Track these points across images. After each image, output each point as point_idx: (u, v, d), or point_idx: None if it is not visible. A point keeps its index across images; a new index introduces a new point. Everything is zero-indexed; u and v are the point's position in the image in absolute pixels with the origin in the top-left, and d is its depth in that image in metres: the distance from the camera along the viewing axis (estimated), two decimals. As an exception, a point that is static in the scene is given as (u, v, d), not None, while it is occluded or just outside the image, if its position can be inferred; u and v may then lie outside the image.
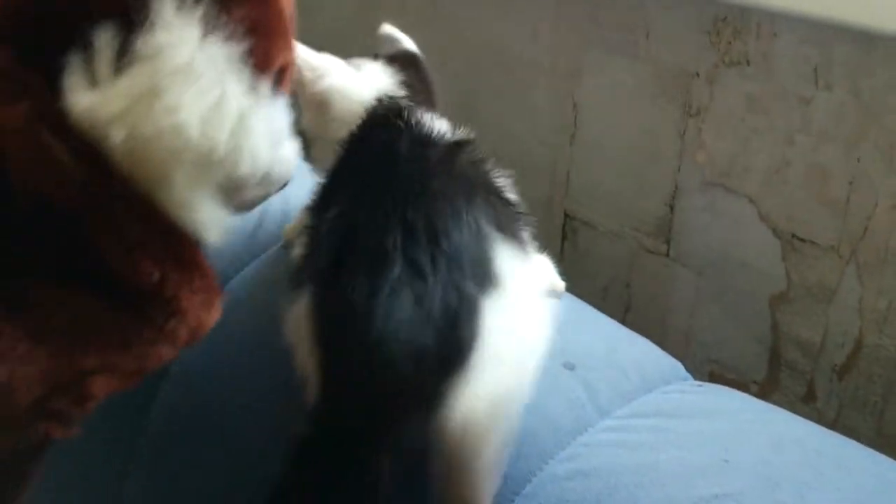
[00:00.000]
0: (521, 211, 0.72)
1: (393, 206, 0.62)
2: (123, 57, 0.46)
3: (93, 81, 0.46)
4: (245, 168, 0.54)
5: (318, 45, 0.79)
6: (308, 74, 0.76)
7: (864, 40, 0.96)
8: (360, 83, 0.78)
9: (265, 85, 0.54)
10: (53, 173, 0.47)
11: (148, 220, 0.51)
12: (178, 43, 0.47)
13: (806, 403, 1.11)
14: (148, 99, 0.46)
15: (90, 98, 0.46)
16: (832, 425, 1.08)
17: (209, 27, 0.48)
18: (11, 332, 0.46)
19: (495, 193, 0.70)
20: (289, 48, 0.57)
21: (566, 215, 1.29)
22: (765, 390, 1.14)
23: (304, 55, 0.75)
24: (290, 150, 0.62)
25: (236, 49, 0.50)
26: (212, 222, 0.54)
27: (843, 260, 1.03)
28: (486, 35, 1.30)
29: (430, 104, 0.82)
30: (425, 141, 0.70)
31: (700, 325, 1.19)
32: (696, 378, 1.20)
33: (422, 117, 0.72)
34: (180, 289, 0.54)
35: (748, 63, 1.05)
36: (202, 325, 0.57)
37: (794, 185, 1.05)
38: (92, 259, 0.49)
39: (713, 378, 1.19)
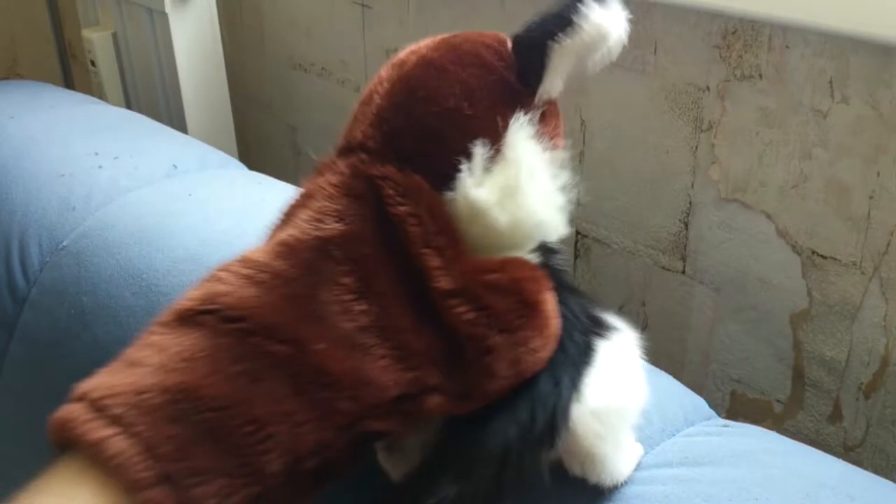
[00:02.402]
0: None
1: None
2: (492, 161, 0.62)
3: (475, 181, 0.62)
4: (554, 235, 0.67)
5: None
6: None
7: (881, 52, 0.93)
8: None
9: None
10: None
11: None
12: (527, 151, 0.63)
13: (832, 423, 1.08)
14: (513, 190, 0.62)
15: (475, 192, 0.61)
16: (860, 445, 1.06)
17: (538, 138, 0.65)
18: (386, 351, 0.58)
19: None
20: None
21: (578, 233, 1.27)
22: (789, 410, 1.12)
23: None
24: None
25: (548, 150, 0.65)
26: None
27: (865, 276, 1.01)
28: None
29: None
30: None
31: (720, 344, 1.16)
32: (718, 398, 1.18)
33: None
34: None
35: (760, 76, 1.02)
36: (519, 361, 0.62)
37: (812, 201, 1.02)
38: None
39: (735, 398, 1.17)
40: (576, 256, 1.28)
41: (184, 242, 1.02)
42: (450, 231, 0.61)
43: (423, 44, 0.68)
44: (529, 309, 0.62)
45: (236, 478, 0.53)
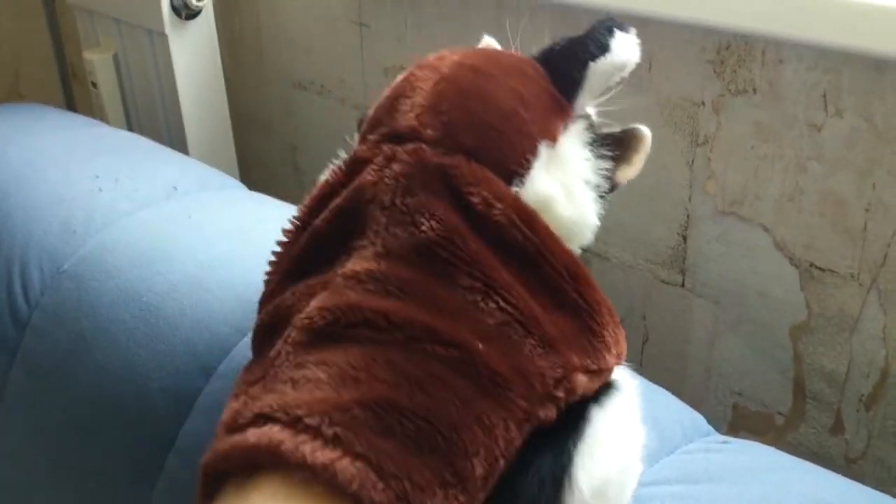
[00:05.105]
0: None
1: None
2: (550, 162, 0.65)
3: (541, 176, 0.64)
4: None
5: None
6: None
7: (873, 65, 0.93)
8: None
9: None
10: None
11: None
12: (581, 156, 0.67)
13: (834, 435, 1.08)
14: (572, 189, 0.65)
15: (544, 185, 0.64)
16: (861, 457, 1.06)
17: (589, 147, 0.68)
18: (533, 341, 0.59)
19: None
20: None
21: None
22: (791, 423, 1.12)
23: None
24: None
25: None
26: None
27: (863, 288, 1.01)
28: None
29: None
30: None
31: (720, 357, 1.16)
32: (720, 412, 1.18)
33: None
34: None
35: (755, 91, 1.02)
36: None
37: (808, 213, 1.02)
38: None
39: (737, 412, 1.17)
40: (575, 271, 1.28)
41: (184, 265, 1.02)
42: (538, 220, 0.63)
43: (452, 53, 0.70)
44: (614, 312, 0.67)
45: (450, 487, 0.53)
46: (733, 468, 0.78)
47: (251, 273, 1.00)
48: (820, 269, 1.04)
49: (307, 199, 0.70)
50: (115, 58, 1.74)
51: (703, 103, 1.07)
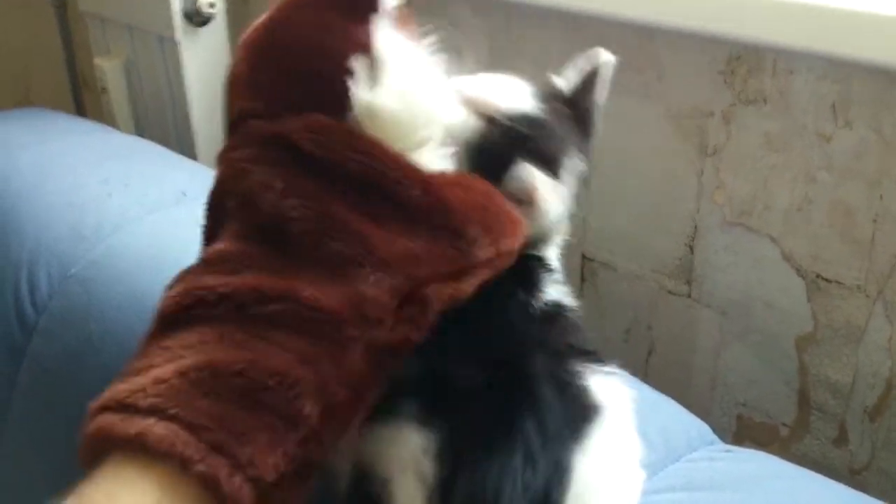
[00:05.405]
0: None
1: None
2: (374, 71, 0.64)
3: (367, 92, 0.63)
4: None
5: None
6: None
7: (883, 76, 0.93)
8: None
9: None
10: None
11: None
12: (400, 49, 0.66)
13: (838, 446, 1.08)
14: (405, 87, 0.64)
15: (370, 99, 0.63)
16: (866, 468, 1.06)
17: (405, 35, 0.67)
18: (370, 267, 0.60)
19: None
20: None
21: (584, 257, 1.27)
22: (795, 433, 1.12)
23: None
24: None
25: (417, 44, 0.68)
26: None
27: (870, 299, 1.01)
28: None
29: None
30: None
31: (726, 367, 1.16)
32: (724, 423, 1.18)
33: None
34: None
35: (765, 101, 1.03)
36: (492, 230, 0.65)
37: (816, 224, 1.03)
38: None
39: (742, 422, 1.17)
40: (582, 280, 1.28)
41: (191, 269, 1.03)
42: (369, 140, 0.63)
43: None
44: (491, 201, 0.65)
45: (278, 430, 0.55)
46: (737, 476, 0.78)
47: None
48: (827, 280, 1.04)
49: None
50: (126, 64, 1.74)
51: (713, 113, 1.07)
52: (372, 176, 0.62)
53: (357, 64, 0.64)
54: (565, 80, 0.77)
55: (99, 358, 1.01)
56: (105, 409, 0.56)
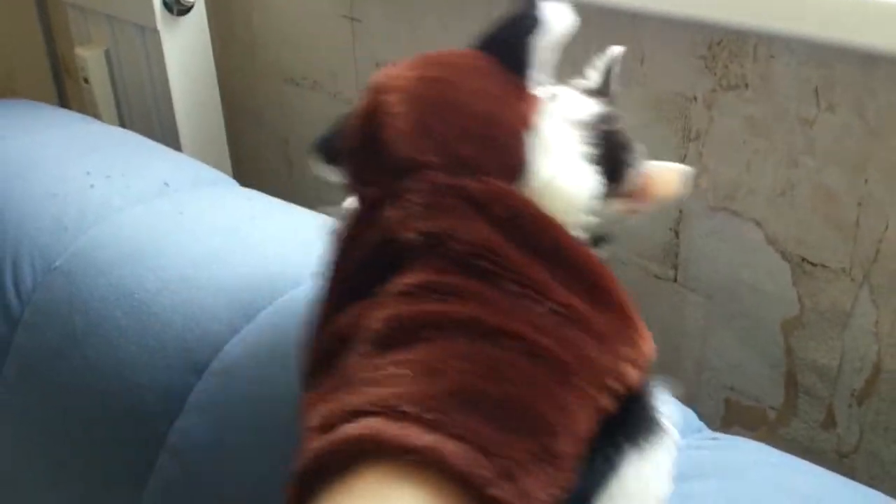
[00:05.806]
0: None
1: None
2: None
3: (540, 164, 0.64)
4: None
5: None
6: None
7: (866, 60, 0.93)
8: None
9: None
10: None
11: None
12: (561, 130, 0.66)
13: (826, 430, 1.08)
14: (568, 166, 0.65)
15: (545, 172, 0.64)
16: (854, 451, 1.06)
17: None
18: (589, 338, 0.59)
19: None
20: None
21: (569, 243, 1.27)
22: (783, 417, 1.12)
23: None
24: None
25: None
26: None
27: (855, 283, 1.01)
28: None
29: None
30: None
31: (713, 352, 1.16)
32: (712, 407, 1.18)
33: None
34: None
35: (747, 86, 1.02)
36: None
37: (801, 208, 1.02)
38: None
39: (730, 406, 1.17)
40: (568, 267, 1.28)
41: (175, 262, 1.02)
42: (555, 221, 0.63)
43: (401, 70, 0.68)
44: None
45: (546, 463, 0.54)
46: (724, 465, 0.78)
47: (242, 270, 1.00)
48: (812, 263, 1.04)
49: (327, 259, 0.69)
50: (107, 54, 1.73)
51: (695, 98, 1.07)
52: (561, 254, 0.61)
53: (532, 138, 0.64)
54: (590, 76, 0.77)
55: (82, 351, 1.01)
56: (366, 413, 0.54)
